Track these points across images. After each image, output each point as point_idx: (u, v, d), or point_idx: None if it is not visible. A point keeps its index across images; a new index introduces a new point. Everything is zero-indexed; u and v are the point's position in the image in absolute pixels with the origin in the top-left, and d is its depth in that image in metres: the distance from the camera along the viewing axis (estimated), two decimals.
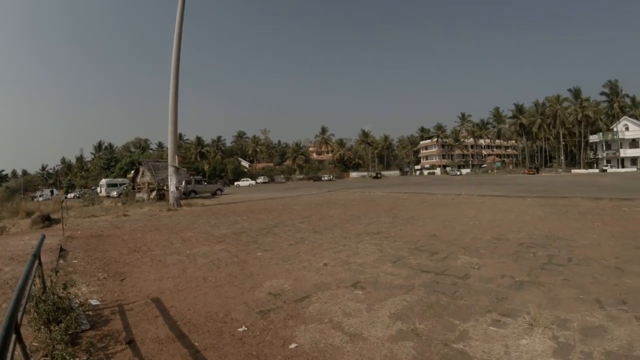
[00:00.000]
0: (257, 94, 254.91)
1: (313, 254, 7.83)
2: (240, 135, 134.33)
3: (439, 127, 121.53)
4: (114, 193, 41.68)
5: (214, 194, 36.42)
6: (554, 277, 5.55)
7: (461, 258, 6.99)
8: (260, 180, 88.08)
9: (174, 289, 5.72)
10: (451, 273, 5.99)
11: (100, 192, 46.04)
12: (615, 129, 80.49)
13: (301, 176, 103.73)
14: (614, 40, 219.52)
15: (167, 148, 25.44)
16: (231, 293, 5.44)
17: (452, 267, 6.38)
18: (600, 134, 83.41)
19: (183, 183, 30.29)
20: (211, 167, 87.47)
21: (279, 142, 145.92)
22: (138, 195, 31.55)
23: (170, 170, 23.01)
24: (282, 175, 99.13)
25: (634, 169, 71.37)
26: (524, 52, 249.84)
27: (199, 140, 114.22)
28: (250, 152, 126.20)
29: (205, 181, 40.80)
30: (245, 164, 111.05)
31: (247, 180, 76.49)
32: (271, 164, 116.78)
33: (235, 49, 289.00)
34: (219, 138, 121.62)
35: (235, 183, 77.96)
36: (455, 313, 4.34)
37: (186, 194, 31.74)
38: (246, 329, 4.15)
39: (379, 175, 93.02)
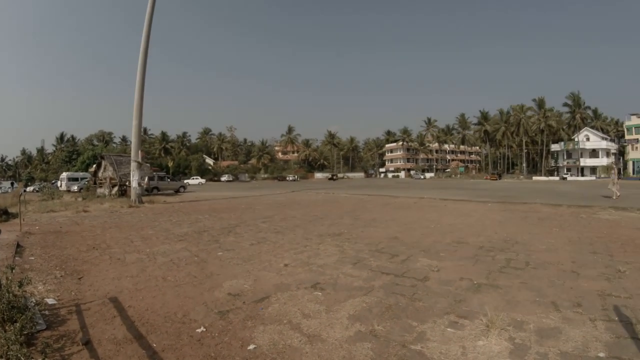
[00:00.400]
0: (225, 90, 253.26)
1: (274, 255, 7.77)
2: (206, 132, 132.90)
3: (405, 131, 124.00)
4: (75, 188, 40.14)
5: (177, 191, 36.01)
6: (511, 280, 5.68)
7: (421, 260, 7.06)
8: (224, 178, 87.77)
9: (133, 289, 5.55)
10: (411, 275, 6.04)
11: (61, 186, 44.33)
12: (576, 139, 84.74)
13: (266, 175, 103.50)
14: (579, 54, 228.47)
15: (131, 142, 24.77)
16: (190, 293, 5.32)
17: (412, 269, 6.44)
18: (562, 143, 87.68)
19: (146, 179, 29.71)
20: (175, 163, 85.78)
21: (245, 140, 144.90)
22: (99, 190, 30.62)
23: (133, 165, 22.40)
24: (246, 174, 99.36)
25: (593, 178, 74.84)
26: (492, 61, 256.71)
27: (164, 136, 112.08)
28: (215, 149, 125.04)
29: (168, 178, 40.18)
30: (210, 161, 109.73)
31: (196, 179, 74.43)
32: (236, 162, 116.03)
33: (203, 44, 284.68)
34: (184, 134, 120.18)
35: (185, 181, 76.88)
36: (414, 315, 4.37)
37: (148, 191, 31.27)
38: (205, 329, 4.06)
39: (334, 177, 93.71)
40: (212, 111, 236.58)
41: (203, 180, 75.08)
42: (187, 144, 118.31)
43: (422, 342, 3.67)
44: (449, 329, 3.95)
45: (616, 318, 4.19)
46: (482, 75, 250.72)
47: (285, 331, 3.98)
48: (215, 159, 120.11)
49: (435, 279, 5.80)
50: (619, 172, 24.57)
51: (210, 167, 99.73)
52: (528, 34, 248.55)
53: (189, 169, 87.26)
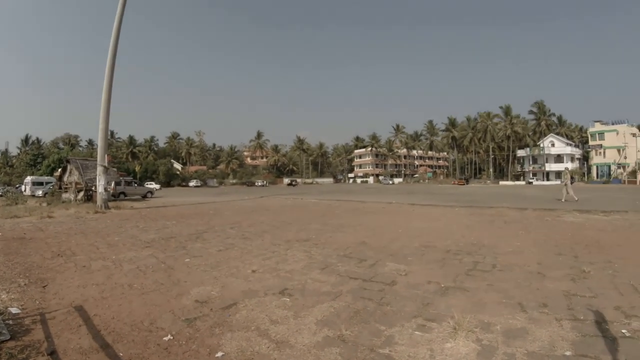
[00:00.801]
0: (195, 95, 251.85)
1: (242, 261, 7.66)
2: (174, 136, 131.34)
3: (374, 137, 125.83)
4: (40, 192, 38.88)
5: (144, 197, 35.46)
6: (478, 283, 5.75)
7: (389, 265, 7.08)
8: (192, 183, 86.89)
9: (99, 297, 5.37)
10: (379, 280, 6.04)
11: (25, 190, 42.87)
12: (541, 145, 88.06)
13: (234, 181, 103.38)
14: (546, 65, 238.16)
15: (98, 146, 24.11)
16: (157, 301, 5.18)
17: (379, 273, 6.45)
18: (528, 149, 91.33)
19: (112, 184, 29.31)
20: (143, 168, 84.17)
21: (214, 145, 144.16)
22: (65, 195, 29.81)
23: (99, 169, 21.75)
24: (215, 180, 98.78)
25: (558, 182, 77.08)
26: (459, 70, 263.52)
27: (131, 140, 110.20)
28: (183, 154, 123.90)
29: (135, 183, 39.44)
30: (178, 166, 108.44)
31: (151, 184, 72.77)
32: (204, 168, 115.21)
33: (172, 48, 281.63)
34: (152, 138, 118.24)
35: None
36: (382, 319, 4.37)
37: (115, 196, 30.67)
38: (172, 337, 3.96)
39: (293, 183, 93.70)
40: (181, 115, 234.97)
41: (157, 186, 73.36)
42: (155, 149, 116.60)
43: (390, 346, 3.67)
44: (416, 332, 3.96)
45: (582, 317, 4.30)
46: (450, 83, 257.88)
47: (253, 338, 3.93)
48: (184, 163, 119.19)
49: (403, 283, 5.81)
50: (571, 177, 25.87)
51: (178, 172, 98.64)
52: (495, 46, 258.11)
53: (156, 174, 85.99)
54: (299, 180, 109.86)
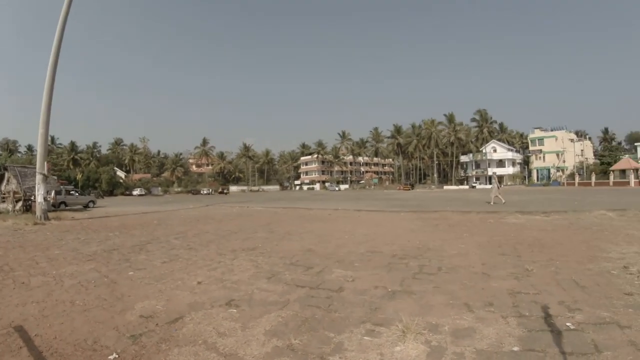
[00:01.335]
0: (138, 100, 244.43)
1: (187, 272, 7.42)
2: (118, 143, 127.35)
3: (320, 144, 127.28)
4: None
5: (85, 207, 33.96)
6: (425, 286, 5.83)
7: (336, 272, 7.06)
8: (136, 192, 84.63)
9: (39, 315, 5.01)
10: (326, 287, 6.01)
11: None
12: (484, 151, 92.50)
13: (180, 189, 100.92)
14: (489, 74, 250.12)
15: (37, 152, 22.72)
16: (101, 317, 4.90)
17: (326, 280, 6.42)
18: (471, 154, 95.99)
19: (52, 193, 27.70)
20: (84, 176, 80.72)
21: (158, 152, 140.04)
22: (2, 205, 27.74)
23: (39, 178, 20.42)
24: (159, 188, 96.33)
25: (501, 186, 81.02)
26: (404, 78, 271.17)
27: (73, 146, 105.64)
28: (127, 161, 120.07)
29: (77, 192, 37.62)
30: (121, 174, 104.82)
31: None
32: (149, 176, 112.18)
33: (117, 49, 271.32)
34: (94, 144, 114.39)
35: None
36: (330, 326, 4.33)
37: (55, 206, 28.95)
38: (117, 356, 3.75)
39: (224, 191, 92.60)
40: (124, 121, 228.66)
41: (76, 194, 70.67)
42: (98, 155, 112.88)
43: (340, 353, 3.64)
44: (365, 338, 3.95)
45: (527, 313, 4.45)
46: (396, 91, 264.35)
47: (201, 352, 3.80)
48: (127, 171, 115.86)
49: (351, 289, 5.80)
50: (499, 181, 27.60)
51: (121, 181, 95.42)
52: (441, 54, 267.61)
53: (99, 182, 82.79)
54: (245, 187, 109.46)
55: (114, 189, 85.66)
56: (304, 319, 4.61)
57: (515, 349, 3.55)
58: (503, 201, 24.01)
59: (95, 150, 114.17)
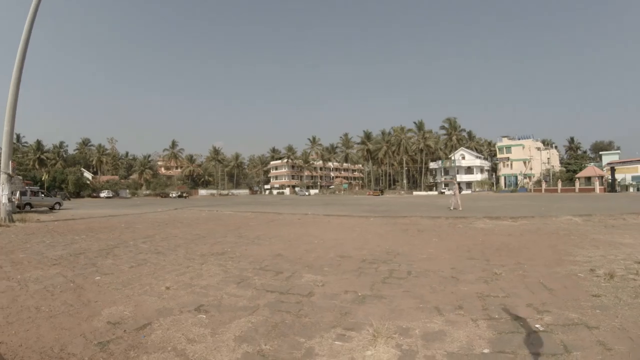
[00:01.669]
0: (107, 98, 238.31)
1: (155, 277, 7.26)
2: (85, 143, 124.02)
3: (290, 149, 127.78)
4: None
5: (51, 208, 33.09)
6: (395, 290, 5.86)
7: (305, 276, 7.03)
8: (103, 194, 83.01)
9: (4, 322, 4.81)
10: (296, 292, 5.97)
11: None
12: (453, 158, 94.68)
13: (148, 192, 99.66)
14: (460, 84, 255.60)
15: (1, 151, 21.85)
16: (67, 324, 4.73)
17: (296, 285, 6.38)
18: (440, 161, 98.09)
19: (17, 194, 26.99)
20: (51, 176, 78.74)
21: (127, 153, 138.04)
22: None
23: (3, 178, 19.63)
24: (127, 190, 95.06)
25: (469, 192, 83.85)
26: (374, 85, 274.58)
27: (39, 145, 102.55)
28: (94, 162, 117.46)
29: (42, 193, 36.48)
30: (88, 175, 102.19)
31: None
32: (116, 178, 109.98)
33: (87, 49, 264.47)
34: (61, 144, 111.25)
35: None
36: (301, 331, 4.31)
37: (20, 207, 28.22)
38: None
39: (184, 195, 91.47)
40: (93, 120, 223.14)
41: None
42: (64, 156, 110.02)
43: (311, 358, 3.62)
44: (336, 342, 3.94)
45: (496, 316, 4.53)
46: (366, 97, 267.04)
47: (170, 359, 3.73)
48: (95, 173, 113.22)
49: (321, 294, 5.78)
50: (459, 187, 28.64)
51: (88, 182, 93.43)
52: (410, 63, 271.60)
53: (65, 184, 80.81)
54: (214, 191, 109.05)
55: (81, 190, 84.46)
56: (274, 324, 4.56)
57: (486, 351, 3.60)
58: (460, 208, 24.81)
59: (62, 150, 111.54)
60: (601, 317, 4.43)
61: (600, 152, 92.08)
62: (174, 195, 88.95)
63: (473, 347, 3.67)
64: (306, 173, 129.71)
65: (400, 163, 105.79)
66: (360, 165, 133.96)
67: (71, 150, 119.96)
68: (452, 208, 24.92)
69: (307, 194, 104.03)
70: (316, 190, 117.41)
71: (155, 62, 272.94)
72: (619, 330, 4.05)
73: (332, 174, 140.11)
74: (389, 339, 3.88)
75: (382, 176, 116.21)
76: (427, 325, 4.31)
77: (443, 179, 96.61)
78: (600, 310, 4.67)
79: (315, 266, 7.96)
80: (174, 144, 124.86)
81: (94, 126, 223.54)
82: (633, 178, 65.30)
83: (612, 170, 65.52)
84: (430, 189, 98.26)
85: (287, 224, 17.85)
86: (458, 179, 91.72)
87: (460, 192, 29.81)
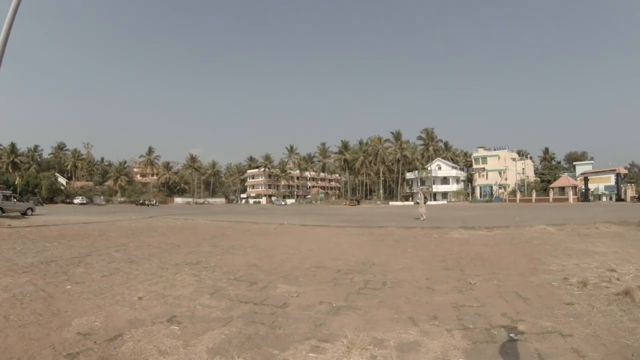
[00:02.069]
0: (84, 103, 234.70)
1: (127, 287, 7.12)
2: (60, 147, 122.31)
3: (267, 158, 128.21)
4: None
5: (24, 214, 32.32)
6: (369, 301, 5.85)
7: (280, 287, 6.98)
8: (77, 200, 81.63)
9: None
10: (270, 302, 5.92)
11: None
12: (429, 168, 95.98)
13: (123, 199, 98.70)
14: (436, 95, 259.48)
15: None
16: (36, 334, 4.59)
17: (271, 296, 6.33)
18: (416, 171, 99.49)
19: None
20: (24, 181, 77.21)
21: (102, 159, 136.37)
22: None
23: None
24: (102, 197, 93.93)
25: (445, 202, 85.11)
26: (353, 94, 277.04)
27: (13, 148, 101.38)
28: (69, 167, 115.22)
29: (14, 198, 35.67)
30: (62, 180, 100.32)
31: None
32: (91, 184, 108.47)
33: (61, 52, 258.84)
34: (35, 147, 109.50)
35: None
36: (275, 343, 4.27)
37: None
38: None
39: (149, 203, 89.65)
40: (69, 124, 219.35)
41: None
42: (39, 160, 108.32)
43: None
44: (310, 354, 3.91)
45: (471, 326, 4.55)
46: (344, 107, 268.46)
47: None
48: (69, 178, 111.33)
49: (295, 305, 5.74)
50: (425, 198, 29.19)
51: (62, 188, 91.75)
52: (391, 74, 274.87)
53: (39, 188, 79.44)
54: (190, 199, 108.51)
55: (55, 196, 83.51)
56: (248, 335, 4.52)
57: None
58: (424, 218, 25.19)
59: (37, 154, 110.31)
60: (575, 324, 4.51)
61: (574, 163, 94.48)
62: (147, 203, 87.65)
63: (448, 357, 3.68)
64: (283, 182, 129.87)
65: (377, 173, 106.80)
66: (338, 175, 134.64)
67: (46, 154, 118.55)
68: (422, 218, 25.08)
69: (283, 203, 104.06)
70: (293, 200, 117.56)
71: (134, 67, 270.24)
72: (593, 337, 4.12)
73: (309, 184, 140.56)
74: (363, 350, 3.86)
75: (358, 186, 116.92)
76: (402, 336, 4.30)
77: (419, 190, 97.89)
78: (574, 318, 4.75)
79: (290, 277, 7.92)
80: (150, 151, 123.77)
81: (69, 130, 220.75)
82: (606, 188, 67.04)
83: (586, 180, 67.27)
84: (407, 200, 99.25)
85: (263, 233, 17.76)
86: (434, 189, 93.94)
87: (425, 202, 30.44)
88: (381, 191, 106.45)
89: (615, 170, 67.47)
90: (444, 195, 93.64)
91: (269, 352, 4.01)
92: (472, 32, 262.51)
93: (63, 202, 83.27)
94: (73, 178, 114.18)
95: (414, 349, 3.92)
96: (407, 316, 5.01)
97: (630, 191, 61.55)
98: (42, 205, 64.43)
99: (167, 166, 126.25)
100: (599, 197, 66.50)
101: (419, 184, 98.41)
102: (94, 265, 9.45)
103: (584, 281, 6.46)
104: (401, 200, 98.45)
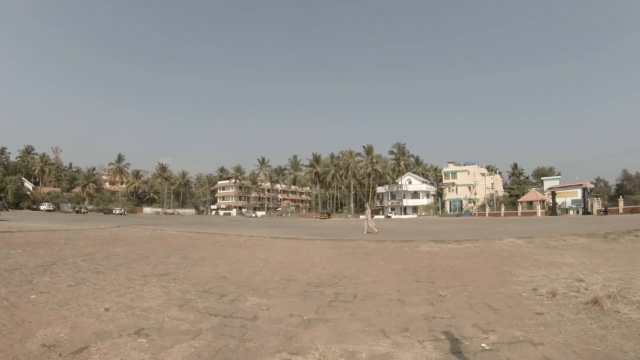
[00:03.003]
0: (53, 105, 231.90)
1: (94, 298, 6.93)
2: (28, 151, 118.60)
3: (238, 169, 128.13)
4: None
5: None
6: (340, 313, 5.84)
7: (250, 300, 6.92)
8: (44, 207, 79.82)
9: None
10: (240, 315, 5.85)
11: None
12: (399, 182, 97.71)
13: (91, 207, 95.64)
14: (408, 109, 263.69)
15: None
16: None
17: (240, 309, 6.26)
18: (387, 185, 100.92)
19: None
20: None
21: (70, 165, 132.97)
22: None
23: None
24: (69, 204, 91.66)
25: (415, 216, 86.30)
26: (326, 106, 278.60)
27: None
28: (37, 172, 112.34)
29: None
30: (29, 185, 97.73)
31: None
32: (58, 190, 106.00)
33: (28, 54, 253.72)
34: (2, 150, 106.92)
35: None
36: (245, 356, 4.21)
37: None
38: None
39: (82, 210, 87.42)
40: (37, 127, 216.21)
41: None
42: (5, 163, 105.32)
43: None
44: None
45: (442, 337, 4.59)
46: (317, 121, 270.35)
47: None
48: (36, 183, 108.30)
49: (265, 318, 5.69)
50: (371, 211, 30.08)
51: (29, 193, 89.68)
52: (359, 89, 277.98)
53: (4, 193, 77.39)
54: (159, 209, 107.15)
55: (20, 201, 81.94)
56: (217, 349, 4.45)
57: None
58: (376, 231, 25.73)
59: (4, 156, 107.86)
60: (545, 333, 4.59)
61: (542, 178, 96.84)
62: (117, 212, 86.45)
63: None
64: (254, 194, 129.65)
65: (348, 187, 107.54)
66: (308, 188, 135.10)
67: (13, 157, 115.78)
68: (365, 232, 25.39)
69: (254, 215, 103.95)
70: (263, 212, 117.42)
71: (105, 73, 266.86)
72: (564, 345, 4.21)
73: (280, 196, 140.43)
74: None
75: (329, 199, 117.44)
76: (374, 348, 4.30)
77: (390, 203, 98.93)
78: (544, 327, 4.84)
79: (260, 289, 7.85)
80: (120, 158, 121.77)
81: (37, 134, 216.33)
82: (573, 202, 68.76)
83: (553, 194, 68.90)
84: (377, 213, 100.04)
85: (233, 245, 17.60)
86: (405, 203, 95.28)
87: (372, 216, 31.19)
88: (352, 205, 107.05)
89: (581, 184, 69.18)
90: (415, 209, 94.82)
91: None
92: (441, 48, 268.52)
93: (29, 207, 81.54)
94: (40, 183, 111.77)
95: None
96: (378, 328, 5.01)
97: (596, 205, 63.09)
98: (7, 210, 62.67)
99: (136, 175, 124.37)
100: (566, 210, 68.09)
101: (389, 198, 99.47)
102: (59, 275, 9.22)
103: (553, 291, 6.60)
104: (372, 214, 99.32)
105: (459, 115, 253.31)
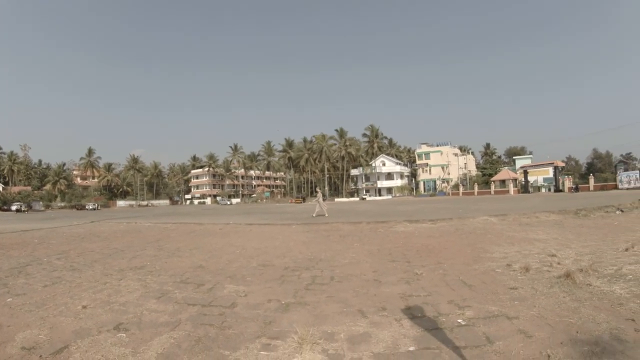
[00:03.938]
0: (19, 102, 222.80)
1: (71, 296, 6.80)
2: None
3: (211, 157, 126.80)
4: None
5: None
6: (318, 296, 5.89)
7: (228, 287, 6.91)
8: (15, 207, 77.24)
9: None
10: (218, 303, 5.85)
11: None
12: (373, 164, 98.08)
13: (63, 204, 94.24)
14: (382, 94, 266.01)
15: None
16: None
17: (218, 297, 6.25)
18: (361, 168, 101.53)
19: None
20: None
21: (40, 161, 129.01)
22: None
23: None
24: (41, 202, 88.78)
25: (389, 197, 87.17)
26: (300, 92, 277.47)
27: None
28: (5, 171, 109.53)
29: None
30: None
31: None
32: (29, 188, 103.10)
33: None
34: None
35: None
36: (225, 343, 4.23)
37: None
38: None
39: (22, 209, 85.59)
40: (3, 125, 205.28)
41: None
42: None
43: None
44: (262, 352, 3.90)
45: (419, 314, 4.67)
46: (288, 107, 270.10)
47: None
48: (5, 183, 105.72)
49: (244, 304, 5.70)
50: (322, 195, 30.89)
51: None
52: (335, 73, 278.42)
53: None
54: (133, 202, 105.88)
55: None
56: (197, 338, 4.46)
57: (411, 348, 3.70)
58: (326, 215, 25.98)
59: None
60: (520, 307, 4.72)
61: (514, 157, 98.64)
62: (90, 207, 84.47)
63: (399, 346, 3.76)
64: (228, 182, 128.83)
65: (322, 170, 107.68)
66: (283, 174, 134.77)
67: None
68: (315, 215, 25.87)
69: (228, 203, 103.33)
70: (238, 200, 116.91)
71: (72, 65, 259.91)
72: (538, 318, 4.34)
73: (254, 183, 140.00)
74: (314, 345, 3.89)
75: (304, 184, 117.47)
76: (352, 328, 4.36)
77: (364, 186, 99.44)
78: (519, 301, 4.98)
79: (237, 276, 7.85)
80: (90, 152, 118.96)
81: (3, 132, 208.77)
82: (544, 180, 70.15)
83: (525, 173, 70.24)
84: (352, 196, 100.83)
85: (209, 234, 17.50)
86: (379, 185, 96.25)
87: (324, 199, 31.44)
88: (326, 188, 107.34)
89: (553, 163, 70.61)
90: (389, 190, 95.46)
91: (219, 354, 3.98)
92: (415, 33, 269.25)
93: (0, 209, 79.46)
94: (10, 183, 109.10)
95: (364, 340, 3.98)
96: (356, 309, 5.07)
97: (567, 183, 64.62)
98: None
99: (108, 168, 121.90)
100: (538, 188, 69.42)
101: (364, 180, 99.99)
102: (34, 275, 9.04)
103: (527, 267, 6.76)
104: (347, 196, 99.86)
105: (433, 98, 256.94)
